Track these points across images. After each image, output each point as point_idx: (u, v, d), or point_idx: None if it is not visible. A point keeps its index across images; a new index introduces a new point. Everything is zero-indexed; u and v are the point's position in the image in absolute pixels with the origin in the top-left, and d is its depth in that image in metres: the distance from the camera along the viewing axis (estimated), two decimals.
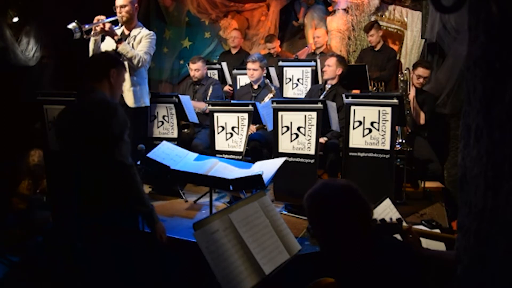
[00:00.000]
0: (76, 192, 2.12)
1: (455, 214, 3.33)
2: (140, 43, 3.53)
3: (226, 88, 5.07)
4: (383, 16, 5.69)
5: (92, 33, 3.34)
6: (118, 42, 3.37)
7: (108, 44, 3.52)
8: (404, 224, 1.90)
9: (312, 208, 1.57)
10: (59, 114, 2.23)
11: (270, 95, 4.30)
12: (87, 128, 2.03)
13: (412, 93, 3.98)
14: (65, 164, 2.19)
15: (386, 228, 1.77)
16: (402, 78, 3.78)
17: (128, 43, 3.47)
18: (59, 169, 3.51)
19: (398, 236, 1.87)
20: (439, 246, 2.11)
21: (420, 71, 3.97)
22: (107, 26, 3.31)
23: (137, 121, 3.71)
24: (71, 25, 3.11)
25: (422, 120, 4.01)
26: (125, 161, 2.04)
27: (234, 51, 5.85)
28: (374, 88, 5.04)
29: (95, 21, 3.29)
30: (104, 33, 3.36)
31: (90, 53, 3.47)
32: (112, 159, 2.00)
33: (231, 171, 2.85)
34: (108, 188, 2.02)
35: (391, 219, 1.85)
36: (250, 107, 3.63)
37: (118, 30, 3.50)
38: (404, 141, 3.60)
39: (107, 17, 3.36)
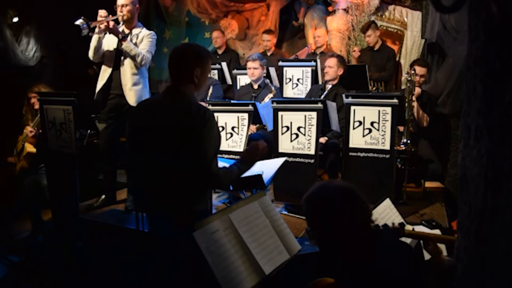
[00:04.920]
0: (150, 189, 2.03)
1: (455, 214, 3.33)
2: (141, 42, 3.55)
3: None
4: (383, 16, 5.69)
5: (96, 30, 3.35)
6: (122, 39, 3.38)
7: (109, 42, 3.53)
8: (420, 230, 1.91)
9: (310, 211, 1.56)
10: (144, 107, 2.12)
11: (270, 95, 4.30)
12: (184, 137, 1.91)
13: (416, 93, 3.96)
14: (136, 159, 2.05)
15: (388, 233, 1.77)
16: (409, 78, 3.77)
17: (131, 41, 3.49)
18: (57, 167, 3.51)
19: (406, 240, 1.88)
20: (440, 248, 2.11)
21: (417, 69, 3.99)
22: (111, 24, 3.33)
23: None
24: (79, 21, 3.12)
25: (425, 123, 4.01)
26: (218, 174, 1.98)
27: (220, 51, 5.88)
28: (374, 88, 5.04)
29: (98, 17, 3.30)
30: (108, 31, 3.37)
31: (91, 51, 3.48)
32: (205, 171, 1.93)
33: None
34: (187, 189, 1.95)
35: (393, 224, 1.85)
36: (250, 107, 3.63)
37: (119, 29, 3.51)
38: (409, 141, 3.59)
39: (109, 14, 3.37)
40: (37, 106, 4.06)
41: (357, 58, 5.30)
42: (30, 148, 4.03)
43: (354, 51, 5.21)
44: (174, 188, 1.94)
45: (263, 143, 2.20)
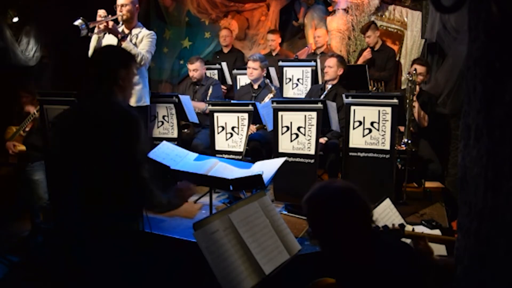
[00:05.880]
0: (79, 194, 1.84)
1: (455, 214, 3.33)
2: (141, 42, 3.55)
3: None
4: (383, 16, 5.69)
5: (95, 30, 3.36)
6: (121, 40, 3.39)
7: (109, 42, 3.53)
8: (420, 230, 1.91)
9: (311, 211, 1.57)
10: (64, 114, 1.95)
11: (270, 95, 4.29)
12: (106, 142, 1.76)
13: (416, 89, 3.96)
14: (64, 166, 1.86)
15: (388, 234, 1.77)
16: (410, 78, 3.77)
17: (130, 41, 3.49)
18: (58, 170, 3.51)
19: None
20: (440, 248, 2.11)
21: (417, 68, 3.99)
22: (111, 24, 3.33)
23: None
24: (78, 22, 3.11)
25: (426, 122, 4.01)
26: (149, 186, 1.79)
27: (226, 50, 5.86)
28: (374, 88, 5.04)
29: (98, 17, 3.31)
30: (107, 31, 3.37)
31: (91, 51, 3.48)
32: (133, 176, 1.76)
33: (231, 171, 2.85)
34: (117, 194, 1.78)
35: (393, 225, 1.85)
36: (250, 107, 3.63)
37: (118, 29, 3.51)
38: (410, 141, 3.60)
39: (108, 14, 3.37)
40: (26, 105, 4.12)
41: (358, 58, 5.29)
42: (20, 146, 4.07)
43: (367, 52, 5.16)
44: (99, 204, 1.77)
45: (194, 187, 2.13)
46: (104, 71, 1.88)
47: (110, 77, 1.87)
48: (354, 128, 3.44)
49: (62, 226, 2.00)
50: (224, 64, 5.29)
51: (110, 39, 3.51)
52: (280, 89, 4.71)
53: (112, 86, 1.87)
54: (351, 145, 3.45)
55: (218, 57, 5.88)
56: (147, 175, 1.81)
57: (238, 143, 3.65)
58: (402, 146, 3.59)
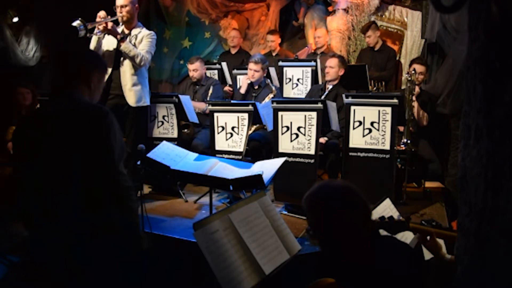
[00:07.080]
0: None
1: (455, 214, 3.33)
2: (141, 42, 3.55)
3: (226, 88, 5.07)
4: (383, 16, 5.69)
5: (95, 31, 3.35)
6: (121, 40, 3.39)
7: (109, 43, 3.53)
8: (429, 227, 1.89)
9: (311, 210, 1.57)
10: (29, 121, 1.86)
11: (271, 95, 4.29)
12: (83, 142, 1.68)
13: (416, 91, 3.96)
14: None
15: (393, 226, 1.76)
16: (409, 78, 3.77)
17: (130, 42, 3.49)
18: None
19: (407, 235, 1.86)
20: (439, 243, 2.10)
21: (416, 67, 3.99)
22: (110, 25, 3.33)
23: (138, 120, 3.72)
24: (76, 23, 3.11)
25: (425, 122, 4.01)
26: (129, 185, 1.74)
27: (233, 51, 5.84)
28: (374, 88, 5.04)
29: (97, 18, 3.31)
30: (107, 32, 3.37)
31: None
32: (111, 176, 1.71)
33: (231, 171, 2.85)
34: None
35: (398, 216, 1.84)
36: (250, 107, 3.63)
37: (118, 30, 3.51)
38: (409, 141, 3.60)
39: (107, 15, 3.37)
40: (27, 102, 4.11)
41: (358, 59, 5.29)
42: None
43: None
44: (81, 207, 1.75)
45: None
46: (78, 71, 1.81)
47: (82, 78, 1.81)
48: (354, 128, 3.44)
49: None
50: (224, 64, 5.28)
51: (110, 39, 3.51)
52: (280, 89, 4.71)
53: (83, 86, 1.81)
54: (351, 145, 3.45)
55: (218, 57, 5.86)
56: (125, 172, 1.77)
57: (238, 143, 3.65)
58: (401, 146, 3.59)
